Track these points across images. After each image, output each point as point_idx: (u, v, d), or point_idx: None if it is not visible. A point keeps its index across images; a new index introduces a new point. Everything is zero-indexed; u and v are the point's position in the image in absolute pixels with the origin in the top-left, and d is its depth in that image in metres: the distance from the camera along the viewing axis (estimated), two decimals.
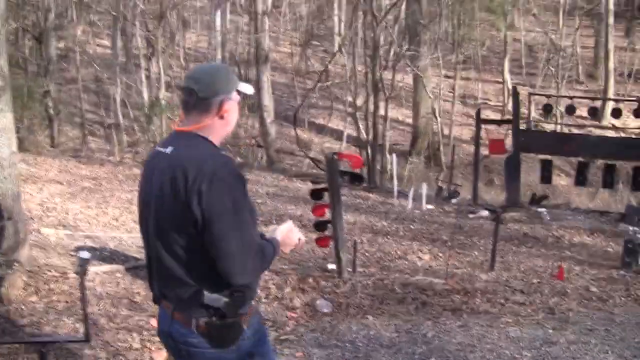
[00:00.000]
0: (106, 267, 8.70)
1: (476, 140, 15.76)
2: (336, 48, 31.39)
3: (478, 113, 15.95)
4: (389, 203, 15.71)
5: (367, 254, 10.98)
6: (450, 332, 7.40)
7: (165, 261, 3.14)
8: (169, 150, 3.18)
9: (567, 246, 12.44)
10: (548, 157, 15.47)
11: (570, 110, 15.61)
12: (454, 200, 16.33)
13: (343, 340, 7.11)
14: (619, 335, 7.47)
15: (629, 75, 35.40)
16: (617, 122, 15.17)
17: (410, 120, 31.37)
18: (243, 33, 32.02)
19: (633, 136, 15.27)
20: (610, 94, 31.97)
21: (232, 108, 3.26)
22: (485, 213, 14.62)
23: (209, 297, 3.07)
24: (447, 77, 33.65)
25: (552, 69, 32.69)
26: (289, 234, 3.48)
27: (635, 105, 15.33)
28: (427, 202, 15.54)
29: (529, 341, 7.12)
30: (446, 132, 30.39)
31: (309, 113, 32.23)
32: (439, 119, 28.63)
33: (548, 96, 16.17)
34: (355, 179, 11.35)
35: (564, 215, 14.80)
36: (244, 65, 30.59)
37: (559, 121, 23.01)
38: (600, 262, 11.34)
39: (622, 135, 19.75)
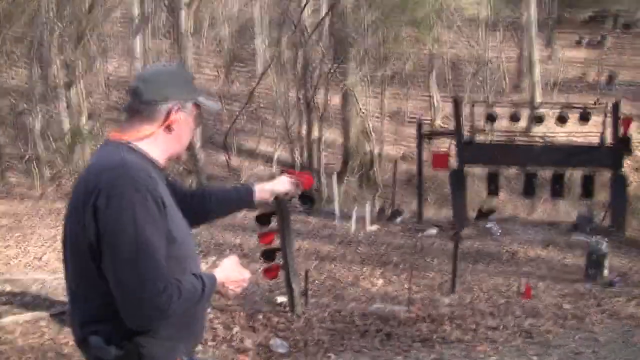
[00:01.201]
0: (28, 316, 7.58)
1: (419, 155, 15.09)
2: (260, 69, 30.57)
3: (419, 127, 15.30)
4: (330, 226, 14.89)
5: (317, 282, 10.11)
6: None
7: (70, 294, 2.53)
8: (92, 160, 2.59)
9: (523, 261, 11.84)
10: (494, 169, 14.91)
11: (515, 118, 15.10)
12: (398, 220, 15.60)
13: None
14: (609, 357, 6.75)
15: (554, 85, 35.56)
16: (563, 129, 14.68)
17: (340, 140, 30.65)
18: (165, 54, 30.87)
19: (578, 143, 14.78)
20: None
21: (183, 121, 2.60)
22: (434, 231, 13.94)
23: (96, 343, 2.38)
24: (374, 94, 33.11)
25: (479, 81, 32.54)
26: (233, 270, 2.67)
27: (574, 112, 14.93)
28: (371, 223, 14.79)
29: None
30: (377, 150, 29.77)
31: (238, 137, 31.25)
32: (372, 136, 28.01)
33: (491, 105, 15.66)
34: (306, 200, 10.35)
35: (513, 229, 14.24)
36: None
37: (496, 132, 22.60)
38: (562, 276, 10.76)
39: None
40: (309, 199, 10.78)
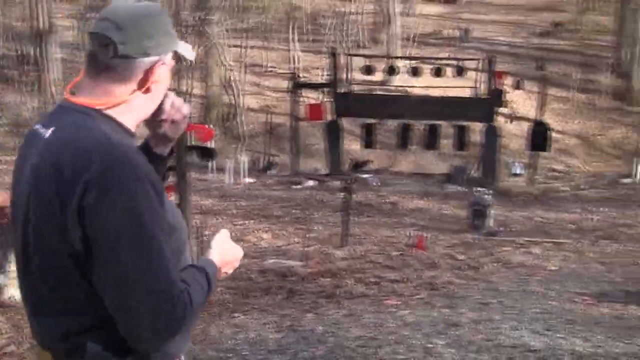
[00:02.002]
0: None
1: (293, 106, 14.77)
2: None
3: (294, 78, 14.95)
4: (204, 179, 14.40)
5: (205, 239, 9.67)
6: (339, 324, 6.34)
7: (34, 305, 1.97)
8: (49, 131, 1.92)
9: (405, 212, 11.89)
10: (371, 121, 14.87)
11: (392, 71, 15.07)
12: (271, 172, 15.31)
13: (221, 349, 5.83)
14: (516, 307, 6.81)
15: (409, 39, 36.09)
16: (439, 81, 14.79)
17: (201, 92, 29.84)
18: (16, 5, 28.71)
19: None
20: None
21: (163, 77, 2.02)
22: (310, 183, 13.76)
23: (93, 350, 1.87)
24: (234, 46, 32.41)
25: (338, 34, 32.53)
26: (226, 250, 2.11)
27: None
28: (245, 176, 14.43)
29: (429, 326, 6.22)
30: (239, 102, 29.22)
31: None
32: (236, 88, 27.43)
33: (369, 57, 15.55)
34: (205, 154, 9.80)
35: (390, 181, 14.30)
36: (19, 42, 27.40)
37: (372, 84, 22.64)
38: (446, 227, 10.87)
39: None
40: (209, 153, 10.27)
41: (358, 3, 35.18)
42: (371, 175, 14.19)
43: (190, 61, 2.09)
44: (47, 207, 1.80)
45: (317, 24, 39.91)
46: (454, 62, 15.03)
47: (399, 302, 6.97)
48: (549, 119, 24.45)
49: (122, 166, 1.77)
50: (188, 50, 2.10)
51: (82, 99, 1.92)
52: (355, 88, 15.75)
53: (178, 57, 2.07)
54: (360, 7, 36.44)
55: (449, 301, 7.01)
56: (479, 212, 10.45)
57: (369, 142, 15.04)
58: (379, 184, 13.51)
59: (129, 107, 1.96)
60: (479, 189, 11.15)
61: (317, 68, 33.09)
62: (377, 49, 36.59)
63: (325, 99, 15.43)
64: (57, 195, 1.78)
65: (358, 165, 15.01)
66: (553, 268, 8.47)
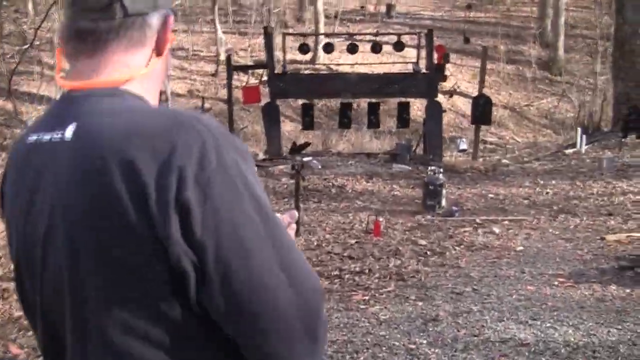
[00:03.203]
0: None
1: (229, 89, 14.07)
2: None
3: (229, 60, 14.23)
4: None
5: None
6: None
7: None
8: (67, 132, 1.36)
9: (354, 196, 11.39)
10: (308, 101, 14.31)
11: (329, 48, 14.51)
12: None
13: None
14: (492, 294, 6.40)
15: (335, 17, 35.65)
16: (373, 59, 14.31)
17: None
18: None
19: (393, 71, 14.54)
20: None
21: (170, 36, 1.51)
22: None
23: None
24: None
25: (265, 13, 31.82)
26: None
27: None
28: None
29: (406, 322, 5.75)
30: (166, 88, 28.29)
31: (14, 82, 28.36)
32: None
33: (304, 35, 14.92)
34: None
35: (333, 162, 13.76)
36: None
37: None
38: (398, 209, 10.43)
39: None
40: None
41: None
42: (312, 158, 13.63)
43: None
44: (117, 218, 1.25)
45: (239, 4, 39.12)
46: (394, 38, 14.53)
47: (367, 297, 6.46)
48: (476, 90, 24.47)
49: (225, 139, 1.30)
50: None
51: (94, 82, 1.39)
52: (291, 68, 15.15)
53: None
54: None
55: (420, 292, 6.55)
56: (432, 192, 10.02)
57: (307, 123, 14.48)
58: (320, 167, 12.95)
59: (148, 79, 1.46)
60: (431, 167, 10.70)
61: (244, 49, 32.41)
62: (302, 27, 36.07)
63: (258, 81, 14.78)
64: (138, 198, 1.24)
65: (298, 149, 14.42)
66: (519, 248, 8.08)
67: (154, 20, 1.44)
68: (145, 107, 1.38)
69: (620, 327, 5.44)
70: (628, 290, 6.34)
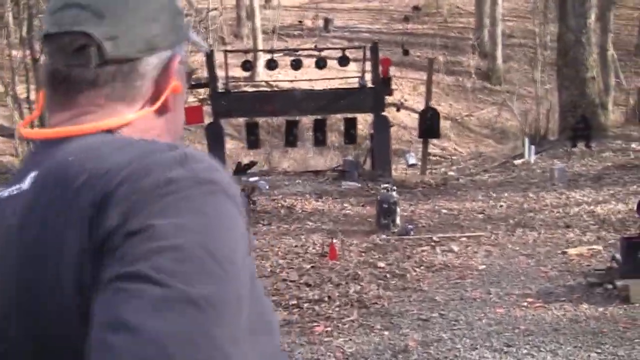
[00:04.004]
0: None
1: None
2: None
3: None
4: None
5: None
6: None
7: None
8: (25, 182, 1.04)
9: (304, 216, 11.01)
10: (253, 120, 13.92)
11: (272, 65, 14.14)
12: None
13: None
14: (460, 320, 6.08)
15: (273, 32, 35.38)
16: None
17: None
18: None
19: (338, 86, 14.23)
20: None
21: (182, 80, 1.19)
22: None
23: None
24: None
25: (203, 30, 31.32)
26: None
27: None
28: None
29: (375, 355, 5.40)
30: None
31: None
32: None
33: (246, 52, 14.53)
34: None
35: (280, 182, 13.36)
36: None
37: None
38: (351, 229, 10.07)
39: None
40: None
41: None
42: (258, 178, 13.20)
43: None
44: (51, 268, 0.94)
45: None
46: (336, 52, 14.25)
47: (330, 328, 6.08)
48: (418, 102, 24.38)
49: (198, 170, 0.96)
50: (199, 39, 1.31)
51: (67, 130, 1.07)
52: (233, 85, 14.74)
53: None
54: (220, 3, 35.44)
55: (385, 320, 6.19)
56: (386, 210, 9.69)
57: (252, 142, 14.07)
58: (268, 187, 12.53)
59: (140, 132, 1.10)
60: (384, 185, 10.39)
61: None
62: (240, 43, 35.70)
63: (199, 100, 14.35)
64: (89, 235, 0.92)
65: (243, 168, 13.98)
66: (481, 267, 7.80)
67: (148, 66, 1.09)
68: (121, 139, 1.05)
69: (599, 350, 5.19)
70: (601, 309, 6.09)
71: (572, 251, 8.16)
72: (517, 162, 14.55)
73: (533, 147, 14.47)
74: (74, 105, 1.07)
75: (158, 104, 1.11)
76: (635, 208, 8.51)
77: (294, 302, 6.86)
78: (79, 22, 1.05)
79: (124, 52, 1.06)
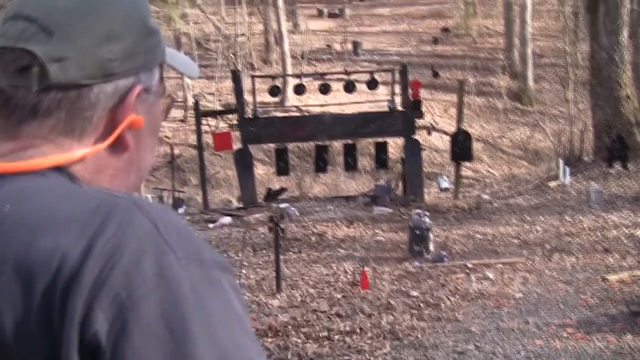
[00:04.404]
0: None
1: (199, 136, 13.53)
2: None
3: (197, 105, 13.71)
4: None
5: None
6: None
7: None
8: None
9: (335, 243, 10.82)
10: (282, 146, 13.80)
11: (300, 89, 14.04)
12: (180, 211, 13.99)
13: None
14: (498, 352, 5.84)
15: (302, 57, 35.44)
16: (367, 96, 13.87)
17: None
18: None
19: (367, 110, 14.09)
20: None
21: (154, 113, 1.01)
22: (227, 220, 12.54)
23: None
24: None
25: (232, 56, 31.49)
26: None
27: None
28: None
29: None
30: None
31: None
32: None
33: (273, 77, 14.47)
34: None
35: (310, 208, 13.20)
36: None
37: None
38: (383, 255, 9.88)
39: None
40: None
41: (245, 24, 34.27)
42: (289, 204, 13.07)
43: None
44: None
45: (204, 48, 38.79)
46: (364, 76, 14.12)
47: None
48: (449, 124, 24.13)
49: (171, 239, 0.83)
50: (187, 63, 1.13)
51: (9, 165, 0.90)
52: (263, 111, 14.67)
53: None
54: (248, 29, 35.59)
55: (419, 353, 5.98)
56: (419, 237, 9.48)
57: (282, 169, 13.95)
58: (298, 214, 12.38)
59: (98, 172, 0.95)
60: (416, 210, 10.19)
61: (211, 93, 31.99)
62: (269, 68, 35.78)
63: (229, 126, 14.29)
64: (28, 324, 0.79)
65: (274, 195, 13.87)
66: (518, 295, 7.55)
67: (102, 95, 0.92)
68: (68, 187, 0.89)
69: None
70: None
71: (612, 277, 7.87)
72: (552, 184, 14.26)
73: (568, 168, 14.17)
74: (17, 135, 0.91)
75: (110, 140, 0.94)
76: None
77: (325, 334, 6.66)
78: (24, 37, 0.89)
79: (72, 77, 0.89)
